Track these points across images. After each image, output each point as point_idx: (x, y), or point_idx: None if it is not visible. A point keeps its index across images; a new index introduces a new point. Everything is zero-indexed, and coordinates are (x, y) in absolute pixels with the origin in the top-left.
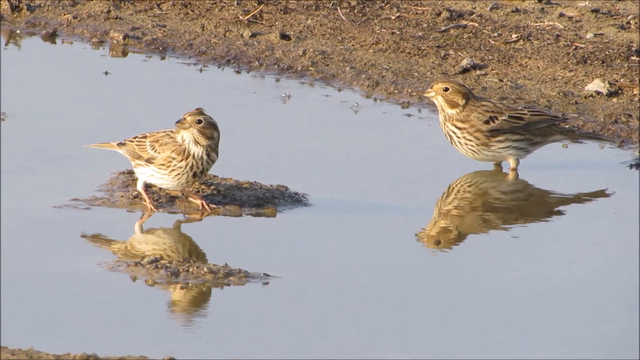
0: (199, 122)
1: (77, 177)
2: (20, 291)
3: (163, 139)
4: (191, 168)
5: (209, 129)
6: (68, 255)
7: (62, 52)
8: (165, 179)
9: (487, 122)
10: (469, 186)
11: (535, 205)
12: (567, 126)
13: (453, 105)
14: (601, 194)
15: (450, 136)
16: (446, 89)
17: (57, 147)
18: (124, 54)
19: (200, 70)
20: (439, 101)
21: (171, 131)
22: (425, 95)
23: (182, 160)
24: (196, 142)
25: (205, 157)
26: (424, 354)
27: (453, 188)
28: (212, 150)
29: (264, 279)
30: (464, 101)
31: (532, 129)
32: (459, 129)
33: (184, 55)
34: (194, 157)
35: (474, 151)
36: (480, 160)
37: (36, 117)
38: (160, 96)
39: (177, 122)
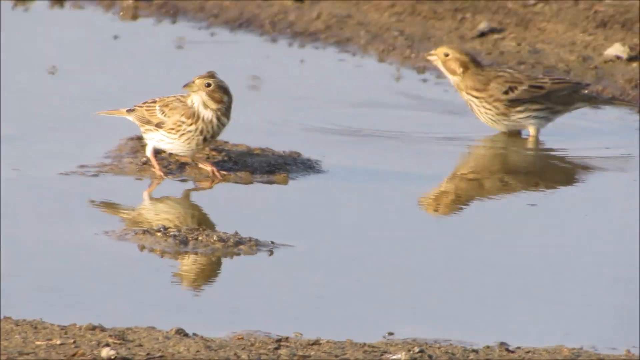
0: (208, 85)
1: (85, 143)
2: (25, 260)
3: (173, 103)
4: (201, 132)
5: (219, 92)
6: (74, 223)
7: (71, 16)
8: (174, 144)
9: (506, 93)
10: (487, 150)
11: (554, 170)
12: (587, 92)
13: (451, 71)
14: (621, 160)
15: (470, 105)
16: (446, 54)
17: (64, 113)
18: (134, 17)
19: (212, 34)
20: (439, 65)
21: (182, 95)
22: (428, 57)
23: (191, 124)
24: (205, 106)
25: (215, 120)
26: (437, 324)
27: (471, 153)
28: (223, 114)
29: (275, 248)
30: (461, 69)
31: (554, 97)
32: (477, 98)
33: (196, 18)
34: (203, 120)
35: (494, 120)
36: (500, 129)
37: (43, 83)
38: (171, 61)
39: (185, 85)
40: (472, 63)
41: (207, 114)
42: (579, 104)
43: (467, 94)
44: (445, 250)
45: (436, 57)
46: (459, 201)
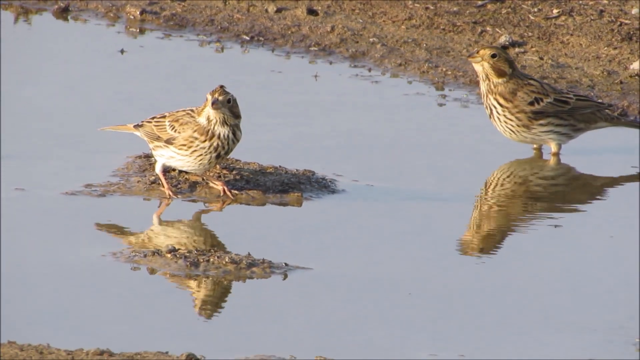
0: (229, 101)
1: (91, 161)
2: (29, 282)
3: (183, 118)
4: (215, 149)
5: (237, 107)
6: (81, 245)
7: (75, 29)
8: (185, 160)
9: (531, 104)
10: (508, 176)
11: (578, 191)
12: (611, 113)
13: (500, 73)
14: None
15: (490, 109)
16: (494, 55)
17: (69, 129)
18: (141, 30)
19: (222, 49)
20: (485, 68)
21: (191, 110)
22: (470, 59)
23: (205, 141)
24: (224, 123)
25: (231, 136)
26: (457, 349)
27: (493, 178)
28: (237, 128)
29: (289, 270)
30: (511, 70)
31: (577, 114)
32: (502, 106)
33: (205, 31)
34: (219, 137)
35: (513, 131)
36: (517, 141)
37: (48, 99)
38: (179, 76)
39: (213, 104)
40: (516, 66)
41: (224, 131)
42: (601, 124)
43: (495, 99)
44: (466, 274)
45: (480, 59)
46: (481, 224)
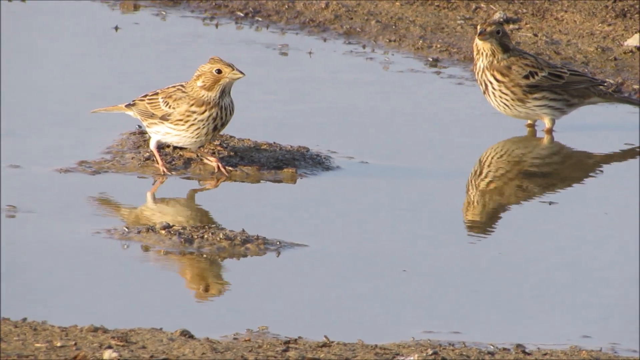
0: (498, 32)
1: (85, 138)
2: (24, 260)
3: (176, 94)
4: (214, 119)
5: (508, 39)
6: (75, 222)
7: (69, 6)
8: (182, 135)
9: (526, 77)
10: (502, 155)
11: (571, 169)
12: (604, 89)
13: (505, 49)
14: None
15: (485, 85)
16: (498, 32)
17: (64, 107)
18: (136, 7)
19: (217, 25)
20: (493, 44)
21: (181, 85)
22: (480, 38)
23: (204, 112)
24: (225, 92)
25: (231, 104)
26: (451, 325)
27: (487, 156)
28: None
29: (284, 246)
30: (513, 42)
31: (571, 89)
32: (498, 81)
33: (199, 8)
34: (220, 106)
35: (507, 106)
36: (511, 116)
37: (42, 76)
38: (173, 52)
39: (480, 34)
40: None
41: (227, 100)
42: (595, 99)
43: (492, 75)
44: (461, 251)
45: (489, 36)
46: (476, 202)
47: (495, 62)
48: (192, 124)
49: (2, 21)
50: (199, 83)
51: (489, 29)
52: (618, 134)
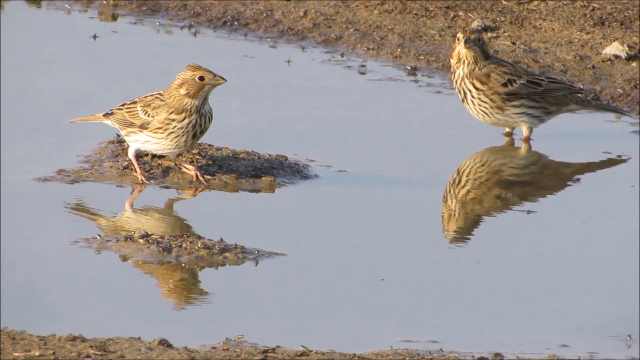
0: (214, 74)
1: (63, 146)
2: (1, 270)
3: (155, 102)
4: (193, 127)
5: (486, 46)
6: (53, 231)
7: (48, 15)
8: (161, 143)
9: (505, 85)
10: (481, 165)
11: (550, 178)
12: (582, 96)
13: (485, 56)
14: (617, 164)
15: (464, 93)
16: (479, 40)
17: (42, 115)
18: (114, 16)
19: (195, 34)
20: (476, 52)
21: (159, 94)
22: (467, 47)
23: (184, 119)
24: (206, 98)
25: (210, 111)
26: (429, 333)
27: (465, 166)
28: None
29: (262, 255)
30: (492, 50)
31: (549, 96)
32: (477, 89)
33: (178, 16)
34: (200, 113)
35: (486, 113)
36: (489, 123)
37: (20, 84)
38: (152, 61)
39: (217, 76)
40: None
41: (207, 107)
42: (573, 106)
43: (471, 83)
44: (439, 259)
45: (473, 44)
46: (455, 211)
47: (477, 69)
48: (172, 132)
49: None
50: (182, 91)
51: (472, 37)
52: (596, 142)
